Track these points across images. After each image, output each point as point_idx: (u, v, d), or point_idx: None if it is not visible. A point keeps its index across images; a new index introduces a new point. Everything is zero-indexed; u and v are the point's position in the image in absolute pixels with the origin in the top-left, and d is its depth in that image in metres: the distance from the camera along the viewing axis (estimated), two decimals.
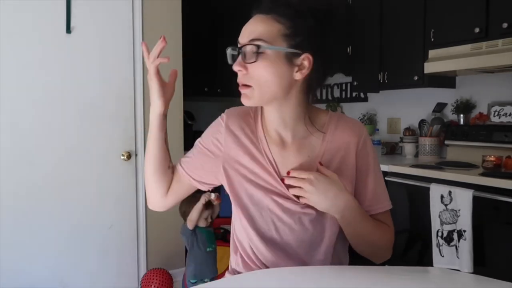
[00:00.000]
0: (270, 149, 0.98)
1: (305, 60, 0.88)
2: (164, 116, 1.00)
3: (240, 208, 0.98)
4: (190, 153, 1.06)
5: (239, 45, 0.89)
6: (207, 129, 1.05)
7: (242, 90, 0.90)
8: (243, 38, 0.89)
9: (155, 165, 1.02)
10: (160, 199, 1.05)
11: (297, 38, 0.87)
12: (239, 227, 1.00)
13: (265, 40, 0.86)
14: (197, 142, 1.06)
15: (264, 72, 0.87)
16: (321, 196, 0.89)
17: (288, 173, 0.94)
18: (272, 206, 0.95)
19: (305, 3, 0.88)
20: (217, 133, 1.01)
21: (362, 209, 0.96)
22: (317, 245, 0.97)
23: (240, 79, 0.90)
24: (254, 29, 0.88)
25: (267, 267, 0.96)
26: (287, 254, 0.96)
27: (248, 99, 0.91)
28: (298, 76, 0.89)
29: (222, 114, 1.04)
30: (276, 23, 0.87)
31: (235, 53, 0.91)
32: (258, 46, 0.86)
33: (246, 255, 1.00)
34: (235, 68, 0.89)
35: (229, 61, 0.92)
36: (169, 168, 1.04)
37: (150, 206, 1.09)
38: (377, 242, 0.99)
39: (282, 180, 0.94)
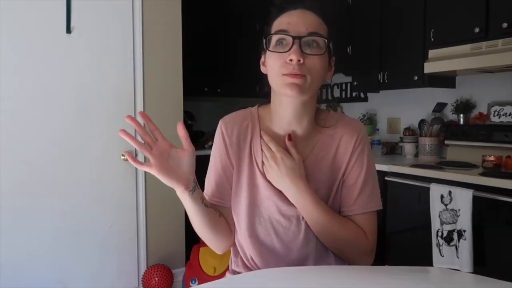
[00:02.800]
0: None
1: (333, 61, 0.95)
2: (192, 190, 0.87)
3: (239, 215, 0.98)
4: (213, 181, 1.00)
5: (293, 34, 0.86)
6: (214, 149, 1.02)
7: (296, 80, 0.86)
8: (299, 28, 0.87)
9: (209, 227, 0.94)
10: (229, 241, 1.00)
11: (332, 42, 0.91)
12: (239, 233, 1.00)
13: (322, 34, 0.89)
14: (214, 169, 1.00)
15: (318, 64, 0.88)
16: (279, 177, 0.92)
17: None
18: (272, 210, 0.96)
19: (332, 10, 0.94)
20: (222, 148, 0.99)
21: (321, 202, 0.93)
22: (314, 244, 0.97)
23: (296, 70, 0.85)
24: (311, 23, 0.88)
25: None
26: (285, 257, 0.97)
27: (301, 89, 0.87)
28: (328, 76, 0.95)
29: (219, 126, 1.01)
30: (323, 23, 0.90)
31: (287, 42, 0.87)
32: (327, 40, 0.88)
33: (246, 259, 1.00)
34: (297, 57, 0.84)
35: (271, 48, 0.89)
36: (220, 216, 0.98)
37: (222, 252, 1.01)
38: (343, 240, 0.94)
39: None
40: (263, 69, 0.96)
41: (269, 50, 0.90)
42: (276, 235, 0.96)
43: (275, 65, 0.88)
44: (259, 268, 0.97)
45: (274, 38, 0.89)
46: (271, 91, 0.97)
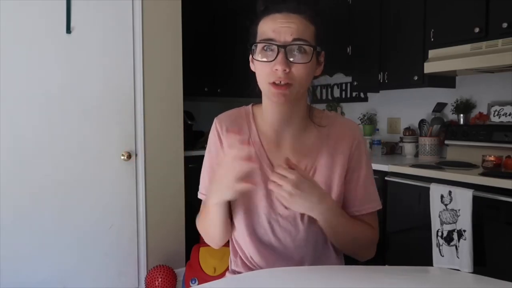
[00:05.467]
0: (265, 150, 0.98)
1: (322, 57, 0.94)
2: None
3: (238, 214, 0.98)
4: (207, 179, 1.02)
5: (278, 43, 0.85)
6: (209, 146, 1.03)
7: (282, 90, 0.86)
8: (284, 35, 0.86)
9: (224, 226, 0.96)
10: (227, 237, 1.03)
11: (321, 37, 0.91)
12: (237, 232, 1.00)
13: (308, 41, 0.87)
14: (208, 165, 1.02)
15: (305, 71, 0.87)
16: (304, 199, 0.85)
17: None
18: (269, 209, 0.96)
19: (320, 5, 0.93)
20: (218, 145, 1.00)
21: (343, 211, 0.95)
22: (312, 244, 0.98)
23: (283, 78, 0.85)
24: (296, 27, 0.86)
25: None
26: (284, 256, 0.97)
27: (287, 97, 0.87)
28: (318, 72, 0.93)
29: (214, 123, 1.02)
30: (309, 24, 0.89)
31: (272, 50, 0.86)
32: (314, 47, 0.87)
33: (246, 258, 1.01)
34: (282, 67, 0.84)
35: (259, 57, 0.88)
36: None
37: (219, 247, 1.03)
38: (357, 241, 0.98)
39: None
40: (252, 67, 0.95)
41: (255, 59, 0.89)
42: (273, 235, 0.97)
43: (262, 74, 0.88)
44: (258, 267, 0.98)
45: (260, 45, 0.89)
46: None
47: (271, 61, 0.86)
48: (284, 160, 0.87)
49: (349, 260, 1.06)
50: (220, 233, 0.98)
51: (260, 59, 0.88)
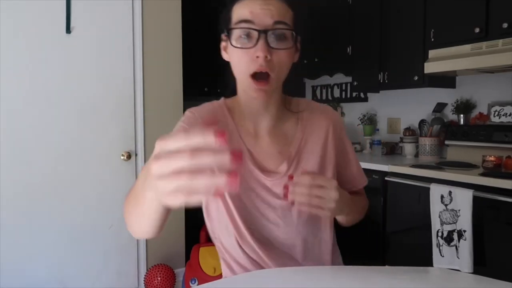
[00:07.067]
0: (244, 142, 0.94)
1: (299, 43, 0.91)
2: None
3: (223, 214, 0.93)
4: None
5: (258, 27, 0.80)
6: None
7: (263, 86, 0.83)
8: (264, 19, 0.81)
9: (159, 226, 0.79)
10: (157, 233, 0.84)
11: (299, 23, 0.88)
12: (223, 232, 0.95)
13: (289, 24, 0.84)
14: None
15: (285, 57, 0.84)
16: (341, 201, 0.83)
17: (291, 177, 0.82)
18: (255, 202, 0.92)
19: None
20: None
21: (346, 193, 0.92)
22: (303, 236, 0.95)
23: (264, 67, 0.81)
24: (276, 11, 0.82)
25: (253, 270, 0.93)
26: (276, 252, 0.93)
27: (267, 93, 0.85)
28: (296, 58, 0.90)
29: (185, 115, 0.95)
30: (289, 8, 0.85)
31: (251, 35, 0.81)
32: (294, 32, 0.84)
33: (233, 260, 0.96)
34: (264, 53, 0.80)
35: (234, 41, 0.82)
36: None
37: (142, 238, 0.95)
38: (358, 213, 1.03)
39: (290, 177, 0.82)
40: (224, 56, 0.91)
41: (233, 46, 0.84)
42: (262, 229, 0.93)
43: (241, 62, 0.84)
44: (246, 269, 0.94)
45: (236, 32, 0.83)
46: (236, 82, 0.94)
47: (251, 47, 0.81)
48: (304, 172, 0.85)
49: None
50: (151, 227, 0.78)
51: (239, 46, 0.83)
